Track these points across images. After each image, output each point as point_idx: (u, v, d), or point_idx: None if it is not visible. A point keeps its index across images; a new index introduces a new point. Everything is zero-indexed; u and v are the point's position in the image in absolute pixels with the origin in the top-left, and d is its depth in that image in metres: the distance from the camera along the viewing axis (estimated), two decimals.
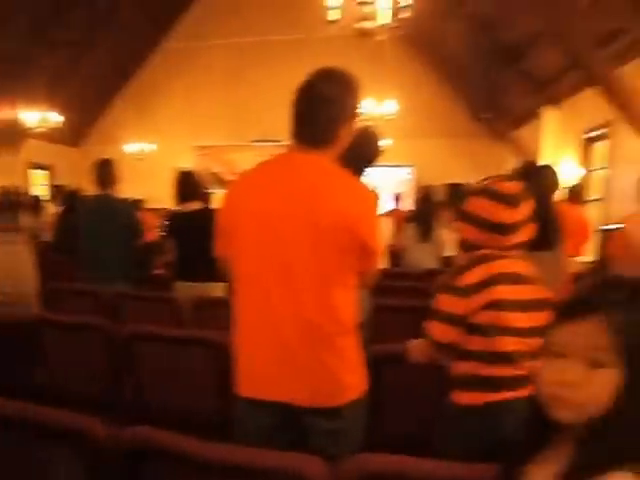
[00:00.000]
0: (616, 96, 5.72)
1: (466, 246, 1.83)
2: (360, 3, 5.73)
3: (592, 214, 7.52)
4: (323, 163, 1.78)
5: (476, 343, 1.73)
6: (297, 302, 1.73)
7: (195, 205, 4.05)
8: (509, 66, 9.35)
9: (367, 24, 5.82)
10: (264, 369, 1.77)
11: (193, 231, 3.91)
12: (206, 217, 4.01)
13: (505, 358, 1.71)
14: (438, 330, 1.77)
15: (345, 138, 1.81)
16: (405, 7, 5.48)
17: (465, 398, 1.76)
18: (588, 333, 0.93)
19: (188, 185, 4.10)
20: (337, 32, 6.09)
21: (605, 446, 0.91)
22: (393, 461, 1.35)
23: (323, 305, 1.73)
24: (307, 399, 1.74)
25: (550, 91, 8.98)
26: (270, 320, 1.75)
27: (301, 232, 1.72)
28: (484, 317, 1.71)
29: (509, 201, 1.75)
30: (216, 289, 3.93)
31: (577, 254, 5.97)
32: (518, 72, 9.37)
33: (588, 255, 6.78)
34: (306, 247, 1.71)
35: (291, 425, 1.77)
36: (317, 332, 1.73)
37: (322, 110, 1.76)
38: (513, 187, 1.78)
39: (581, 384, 0.92)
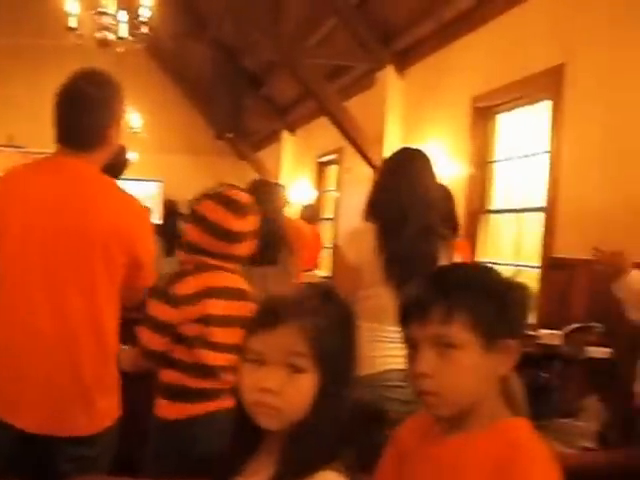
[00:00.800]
0: (343, 126, 6.33)
1: (190, 248, 1.78)
2: (99, 13, 5.58)
3: (325, 232, 8.18)
4: (92, 171, 1.70)
5: (181, 353, 1.71)
6: (65, 325, 1.61)
7: None
8: (252, 90, 9.79)
9: (107, 35, 5.69)
10: (17, 394, 1.62)
11: None
12: None
13: (209, 371, 1.72)
14: (147, 337, 1.72)
15: (114, 142, 1.75)
16: (144, 22, 5.47)
17: (170, 410, 1.74)
18: (285, 340, 0.93)
19: None
20: (83, 40, 5.83)
21: (306, 449, 0.93)
22: None
23: (92, 329, 1.64)
24: (61, 428, 1.63)
25: (288, 117, 9.62)
26: (32, 341, 1.60)
27: (70, 246, 1.61)
28: (192, 329, 1.69)
29: (239, 210, 1.75)
30: None
31: (312, 268, 6.45)
32: (260, 97, 9.86)
33: (323, 269, 7.37)
34: (76, 262, 1.62)
35: (41, 451, 1.64)
36: (82, 357, 1.63)
37: (88, 112, 1.69)
38: (245, 197, 1.80)
39: (281, 390, 0.93)
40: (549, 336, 3.75)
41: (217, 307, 1.72)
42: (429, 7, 5.28)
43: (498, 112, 4.93)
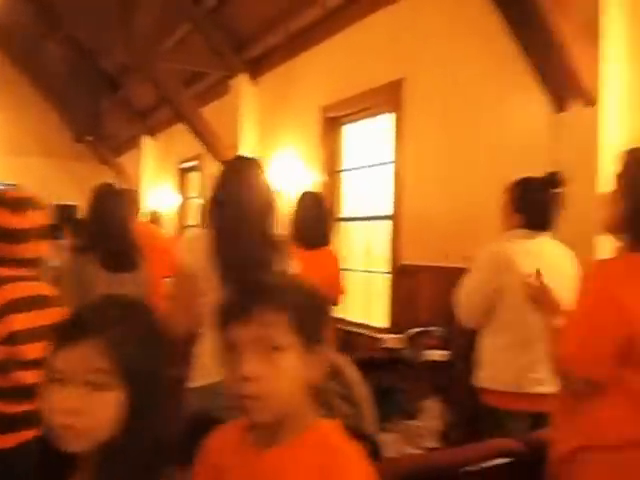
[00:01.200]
0: (200, 132, 6.24)
1: None
2: None
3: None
4: None
5: None
6: None
7: None
8: (110, 93, 9.43)
9: None
10: None
11: None
12: None
13: (28, 392, 1.59)
14: None
15: None
16: None
17: None
18: (85, 356, 0.89)
19: None
20: None
21: (120, 469, 0.89)
22: None
23: None
24: None
25: (148, 122, 9.35)
26: None
27: None
28: (0, 352, 1.59)
29: (15, 206, 1.66)
30: None
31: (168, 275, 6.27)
32: (118, 100, 9.51)
33: None
34: None
35: None
36: None
37: None
38: (22, 193, 1.72)
39: (84, 410, 0.87)
40: (393, 340, 3.89)
41: (22, 321, 1.61)
42: (277, 18, 5.35)
43: (345, 122, 5.06)
